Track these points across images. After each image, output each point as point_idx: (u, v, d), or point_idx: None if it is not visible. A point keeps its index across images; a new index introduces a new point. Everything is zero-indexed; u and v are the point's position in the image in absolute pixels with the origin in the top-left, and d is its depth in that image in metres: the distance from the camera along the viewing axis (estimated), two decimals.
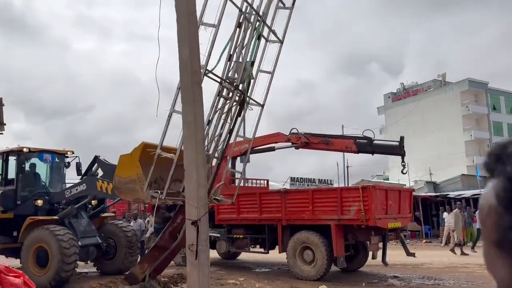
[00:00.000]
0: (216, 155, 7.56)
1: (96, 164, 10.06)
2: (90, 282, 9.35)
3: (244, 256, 13.64)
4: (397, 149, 10.76)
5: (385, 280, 9.99)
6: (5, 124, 10.75)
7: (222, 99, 7.47)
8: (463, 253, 15.44)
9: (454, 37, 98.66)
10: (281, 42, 8.11)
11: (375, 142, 10.87)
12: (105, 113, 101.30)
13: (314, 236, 9.96)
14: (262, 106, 8.09)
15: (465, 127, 49.08)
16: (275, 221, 10.74)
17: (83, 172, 10.56)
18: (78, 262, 9.33)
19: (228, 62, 7.28)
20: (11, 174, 10.52)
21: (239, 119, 7.70)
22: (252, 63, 7.56)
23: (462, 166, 43.86)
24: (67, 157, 11.03)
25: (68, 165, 11.05)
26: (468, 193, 27.20)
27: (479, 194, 26.26)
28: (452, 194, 28.14)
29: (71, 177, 11.45)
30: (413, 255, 10.54)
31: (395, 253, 11.80)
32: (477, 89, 50.73)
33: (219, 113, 7.52)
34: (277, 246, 11.10)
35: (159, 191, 6.91)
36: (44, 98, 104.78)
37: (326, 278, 9.87)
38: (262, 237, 11.23)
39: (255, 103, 8.00)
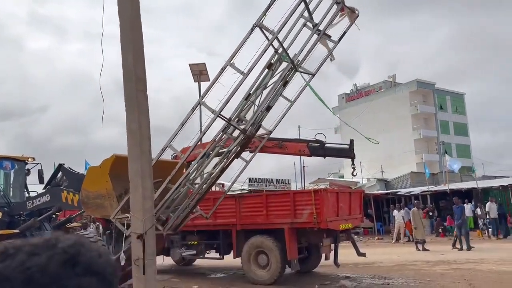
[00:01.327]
0: (200, 190, 7.40)
1: (60, 172, 9.59)
2: None
3: (199, 262, 13.39)
4: (348, 152, 10.95)
5: (337, 281, 10.12)
6: None
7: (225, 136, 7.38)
8: (424, 249, 15.92)
9: (406, 39, 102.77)
10: (313, 75, 8.08)
11: (326, 145, 10.98)
12: (61, 114, 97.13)
13: (268, 240, 9.94)
14: (270, 132, 8.10)
15: (414, 126, 51.07)
16: (230, 226, 10.62)
17: (45, 180, 10.05)
18: None
19: (245, 101, 7.15)
20: None
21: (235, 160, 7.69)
22: (269, 108, 7.46)
23: (412, 163, 45.65)
24: (27, 163, 10.41)
25: (28, 172, 10.45)
26: (416, 190, 28.24)
27: (427, 191, 27.39)
28: (402, 191, 29.13)
29: (31, 183, 10.85)
30: (363, 255, 10.76)
31: (347, 252, 11.96)
32: (425, 90, 52.93)
33: (217, 149, 7.42)
34: (232, 251, 10.98)
35: (128, 215, 6.63)
36: None
37: (280, 281, 9.88)
38: (216, 242, 11.07)
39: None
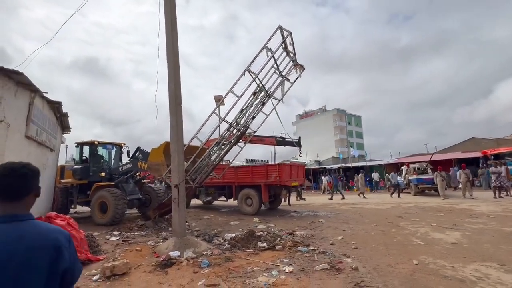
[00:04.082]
0: (214, 163, 7.28)
1: (138, 151, 9.44)
2: (135, 221, 8.61)
3: (215, 202, 13.31)
4: (297, 144, 10.93)
5: (289, 213, 10.06)
6: (70, 128, 9.76)
7: (228, 132, 7.22)
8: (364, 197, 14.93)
9: (332, 87, 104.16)
10: (279, 100, 7.76)
11: (286, 139, 10.96)
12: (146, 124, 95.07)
13: (252, 191, 9.89)
14: (254, 132, 7.83)
15: (335, 132, 51.83)
16: (231, 183, 10.53)
17: (131, 155, 9.90)
18: (127, 209, 8.61)
19: (240, 113, 7.11)
20: (85, 157, 9.68)
21: (234, 146, 7.46)
22: (253, 118, 7.40)
23: (333, 152, 46.28)
24: (122, 147, 10.13)
25: (122, 152, 10.17)
26: (334, 166, 28.53)
27: (340, 167, 27.65)
28: (327, 167, 29.34)
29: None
30: (304, 199, 10.80)
31: (293, 199, 12.00)
32: (341, 113, 53.76)
33: (223, 140, 7.26)
34: (232, 197, 10.93)
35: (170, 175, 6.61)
36: None
37: (258, 213, 9.74)
38: (224, 192, 10.93)
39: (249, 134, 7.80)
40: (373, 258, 4.62)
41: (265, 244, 5.46)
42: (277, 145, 11.15)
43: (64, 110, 9.06)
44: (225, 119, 6.52)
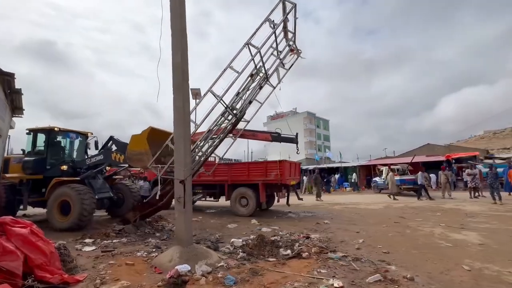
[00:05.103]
0: (206, 153, 6.17)
1: (111, 141, 7.88)
2: (111, 225, 7.12)
3: (199, 203, 12.12)
4: (294, 140, 10.28)
5: (286, 214, 9.40)
6: (23, 109, 7.76)
7: (222, 118, 6.16)
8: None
9: (304, 91, 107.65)
10: (274, 87, 6.86)
11: (282, 135, 10.28)
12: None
13: (248, 190, 8.97)
14: (248, 122, 6.77)
15: (305, 135, 53.33)
16: (223, 182, 9.50)
17: (99, 148, 8.25)
18: (95, 209, 7.07)
19: (236, 96, 6.11)
20: (40, 147, 7.89)
21: (229, 135, 6.51)
22: (250, 102, 6.43)
23: (302, 154, 47.59)
24: (88, 136, 8.51)
25: (88, 144, 8.53)
26: (310, 167, 28.84)
27: (315, 167, 28.06)
28: (303, 167, 29.54)
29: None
30: (301, 199, 10.20)
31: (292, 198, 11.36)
32: (310, 116, 55.93)
33: (217, 126, 6.17)
34: (221, 197, 9.85)
35: (159, 166, 5.38)
36: None
37: (253, 215, 8.91)
38: (215, 191, 9.84)
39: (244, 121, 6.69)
40: (417, 264, 4.15)
41: (289, 252, 4.65)
42: (272, 141, 10.37)
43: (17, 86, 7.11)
44: (223, 100, 5.52)
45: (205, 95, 5.31)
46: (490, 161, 20.85)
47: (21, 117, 7.73)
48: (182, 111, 4.62)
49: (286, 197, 9.48)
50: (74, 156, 8.25)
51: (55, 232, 6.37)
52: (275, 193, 9.95)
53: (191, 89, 21.77)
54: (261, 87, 6.65)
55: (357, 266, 4.05)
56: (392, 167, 16.16)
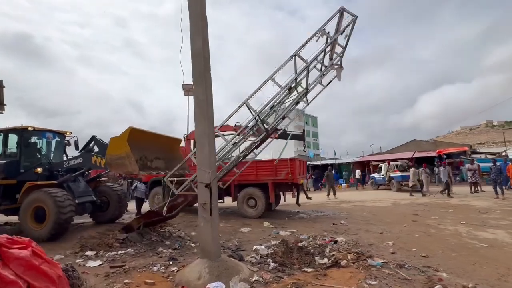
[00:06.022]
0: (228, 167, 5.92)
1: (93, 142, 7.03)
2: (88, 231, 6.42)
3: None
4: (301, 137, 9.88)
5: (296, 214, 8.98)
6: (5, 105, 6.78)
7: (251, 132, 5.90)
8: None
9: None
10: (308, 104, 6.55)
11: (289, 132, 9.76)
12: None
13: (257, 190, 8.45)
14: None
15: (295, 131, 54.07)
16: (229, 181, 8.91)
17: (80, 148, 7.39)
18: (76, 215, 6.31)
19: (269, 110, 5.77)
20: (13, 148, 6.95)
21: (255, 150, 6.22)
22: (284, 118, 6.19)
23: (292, 151, 47.80)
24: (66, 136, 7.59)
25: (68, 142, 7.61)
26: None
27: (309, 164, 27.92)
28: None
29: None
30: (310, 198, 9.82)
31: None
32: (299, 113, 55.66)
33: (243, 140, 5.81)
34: (226, 198, 9.26)
35: (175, 178, 4.89)
36: None
37: (262, 216, 8.44)
38: (220, 191, 9.24)
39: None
40: (467, 270, 3.86)
41: (325, 260, 4.21)
42: (278, 138, 9.86)
43: None
44: (257, 113, 5.14)
45: (239, 107, 4.88)
46: (478, 156, 21.50)
47: (1, 113, 6.77)
48: (205, 105, 4.01)
49: (296, 197, 9.03)
50: (51, 158, 7.40)
51: (46, 243, 5.57)
52: (281, 193, 9.50)
53: (183, 84, 20.52)
54: (297, 103, 6.20)
55: (405, 274, 3.69)
56: (392, 163, 16.20)
